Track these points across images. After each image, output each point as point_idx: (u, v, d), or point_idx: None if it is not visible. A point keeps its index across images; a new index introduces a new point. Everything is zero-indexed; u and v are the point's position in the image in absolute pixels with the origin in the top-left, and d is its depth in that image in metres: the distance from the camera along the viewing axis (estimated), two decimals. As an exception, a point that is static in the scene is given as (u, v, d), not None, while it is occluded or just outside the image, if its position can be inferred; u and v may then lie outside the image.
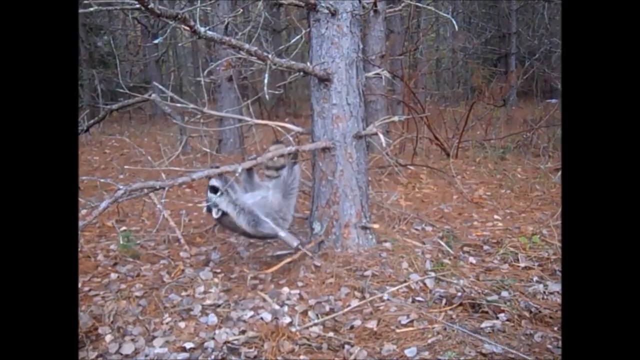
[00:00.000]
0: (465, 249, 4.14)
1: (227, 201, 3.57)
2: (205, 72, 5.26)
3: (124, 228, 4.87)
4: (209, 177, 3.54)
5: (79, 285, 3.60)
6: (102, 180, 3.82)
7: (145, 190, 3.30)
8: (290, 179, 3.84)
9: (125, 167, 6.88)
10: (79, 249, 3.01)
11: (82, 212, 5.03)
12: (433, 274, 3.61)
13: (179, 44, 18.40)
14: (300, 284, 3.56)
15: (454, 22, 4.51)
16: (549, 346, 2.72)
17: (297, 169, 3.90)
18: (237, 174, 3.60)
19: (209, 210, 3.62)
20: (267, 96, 3.48)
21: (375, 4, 7.13)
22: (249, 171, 3.83)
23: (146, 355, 2.79)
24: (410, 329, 2.97)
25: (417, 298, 3.33)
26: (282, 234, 3.67)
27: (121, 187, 3.05)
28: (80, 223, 2.86)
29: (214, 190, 3.57)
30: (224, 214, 3.58)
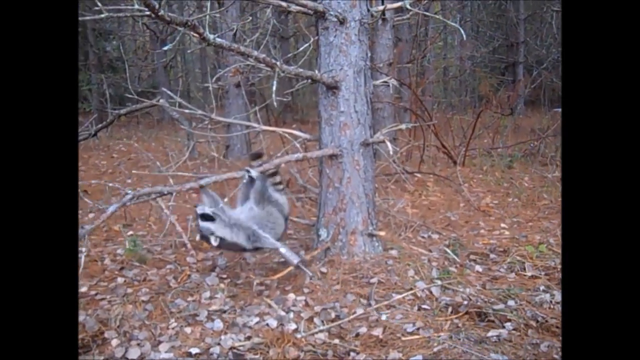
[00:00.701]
0: (472, 257, 4.13)
1: (222, 225, 3.44)
2: (214, 78, 5.30)
3: (130, 232, 4.89)
4: (217, 182, 3.52)
5: (85, 289, 3.62)
6: (110, 184, 3.82)
7: (153, 195, 3.31)
8: (257, 198, 3.67)
9: (133, 171, 6.90)
10: (87, 253, 3.02)
11: (90, 215, 5.06)
12: (439, 282, 3.60)
13: (188, 51, 18.50)
14: (306, 290, 3.56)
15: (462, 31, 4.51)
16: (555, 356, 2.71)
17: (258, 184, 3.66)
18: (244, 181, 3.60)
19: (204, 238, 3.47)
20: (275, 103, 3.49)
21: (383, 13, 7.14)
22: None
23: (152, 360, 2.80)
24: (416, 337, 2.97)
25: (423, 306, 3.32)
26: (283, 250, 3.55)
27: (129, 191, 3.07)
28: (88, 226, 2.88)
29: (206, 217, 3.41)
30: (222, 239, 3.45)
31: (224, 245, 3.52)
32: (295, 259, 3.51)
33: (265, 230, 3.62)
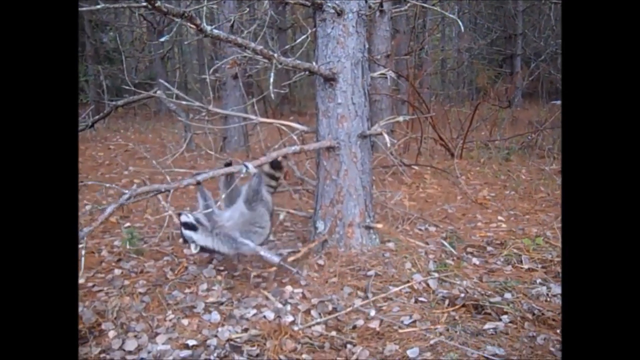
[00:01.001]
0: (469, 249, 4.14)
1: (204, 235, 3.47)
2: (211, 70, 5.28)
3: (128, 224, 4.88)
4: (217, 176, 3.50)
5: (83, 281, 3.61)
6: (107, 185, 3.80)
7: (151, 194, 3.30)
8: (250, 195, 3.66)
9: (131, 168, 6.87)
10: (84, 245, 3.01)
11: (87, 207, 5.05)
12: (436, 275, 3.61)
13: (185, 42, 18.42)
14: (303, 282, 3.56)
15: (460, 23, 4.50)
16: (552, 349, 2.72)
17: (255, 181, 3.65)
18: (242, 174, 3.58)
19: (186, 242, 3.53)
20: (272, 95, 3.48)
21: (381, 4, 7.13)
22: (229, 179, 3.74)
23: (149, 352, 2.80)
24: (413, 329, 2.98)
25: (420, 298, 3.33)
26: (263, 252, 3.57)
27: (126, 191, 3.05)
28: (87, 229, 2.88)
29: (188, 226, 3.45)
30: (203, 247, 3.49)
31: (206, 250, 3.56)
32: (276, 259, 3.52)
33: (252, 235, 3.62)
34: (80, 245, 2.95)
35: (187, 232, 3.46)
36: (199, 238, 3.46)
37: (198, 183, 3.37)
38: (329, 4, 3.75)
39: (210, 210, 3.53)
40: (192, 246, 3.48)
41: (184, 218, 3.47)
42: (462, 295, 3.31)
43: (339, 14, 3.77)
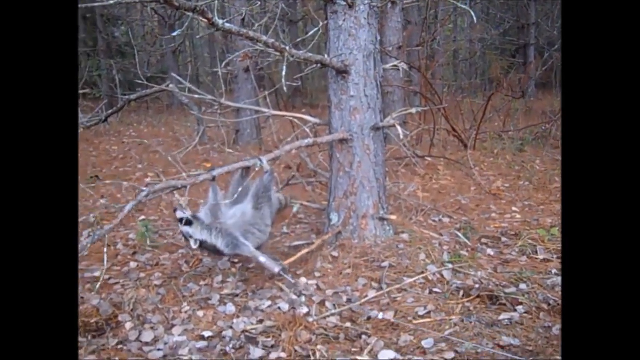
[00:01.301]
0: (483, 240, 4.13)
1: (200, 229, 3.38)
2: (223, 63, 5.28)
3: (142, 217, 4.92)
4: (231, 171, 3.50)
5: (98, 273, 3.65)
6: (125, 183, 3.81)
7: (168, 190, 3.32)
8: (260, 190, 3.61)
9: (149, 174, 6.89)
10: (99, 238, 3.04)
11: (103, 200, 5.09)
12: (450, 266, 3.60)
13: (197, 36, 18.44)
14: (317, 274, 3.58)
15: (472, 13, 4.46)
16: (567, 339, 2.71)
17: (267, 178, 3.62)
18: (256, 168, 3.58)
19: (186, 239, 3.45)
20: (284, 88, 3.48)
21: (393, -5, 7.09)
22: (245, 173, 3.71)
23: (165, 343, 2.83)
24: (428, 320, 2.98)
25: (435, 289, 3.33)
26: (263, 259, 3.44)
27: (144, 189, 3.08)
28: (108, 226, 2.92)
29: (185, 221, 3.37)
30: (202, 242, 3.39)
31: (205, 246, 3.45)
32: (276, 268, 3.40)
33: (250, 237, 3.52)
34: (100, 242, 2.98)
35: (184, 228, 3.38)
36: (195, 232, 3.37)
37: (214, 178, 3.38)
38: (341, -4, 3.74)
39: (217, 204, 3.48)
40: (192, 242, 3.39)
41: (179, 214, 3.40)
42: (477, 286, 3.31)
43: (351, 6, 3.75)
